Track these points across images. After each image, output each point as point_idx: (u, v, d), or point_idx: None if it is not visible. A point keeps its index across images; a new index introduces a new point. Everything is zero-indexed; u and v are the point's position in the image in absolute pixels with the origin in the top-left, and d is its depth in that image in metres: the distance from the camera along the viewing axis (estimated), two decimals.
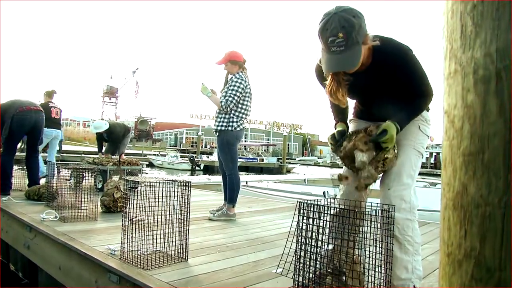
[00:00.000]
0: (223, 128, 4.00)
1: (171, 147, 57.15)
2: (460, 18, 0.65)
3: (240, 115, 4.02)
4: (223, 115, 4.02)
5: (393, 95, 1.92)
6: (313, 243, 1.70)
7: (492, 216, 0.60)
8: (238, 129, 4.01)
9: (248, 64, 4.15)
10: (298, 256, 1.72)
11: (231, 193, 4.10)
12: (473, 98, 0.62)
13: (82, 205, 3.78)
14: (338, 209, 1.75)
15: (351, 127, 2.17)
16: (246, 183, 10.13)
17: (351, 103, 2.18)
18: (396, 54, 1.79)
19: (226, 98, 3.92)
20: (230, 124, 3.98)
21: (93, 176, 5.94)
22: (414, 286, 1.91)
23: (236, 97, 3.92)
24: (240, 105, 4.01)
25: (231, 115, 3.99)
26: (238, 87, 3.93)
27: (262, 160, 38.24)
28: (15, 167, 5.65)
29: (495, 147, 0.61)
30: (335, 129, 2.05)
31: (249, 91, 4.06)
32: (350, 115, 2.23)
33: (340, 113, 2.09)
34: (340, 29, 1.60)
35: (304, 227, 1.72)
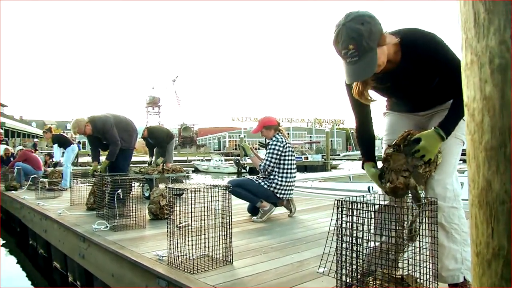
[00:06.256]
0: (266, 185, 4.27)
1: (215, 151, 58.01)
2: (473, 6, 0.61)
3: (282, 174, 4.28)
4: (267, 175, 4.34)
5: (433, 86, 1.83)
6: (353, 241, 1.67)
7: None
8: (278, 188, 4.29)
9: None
10: (339, 255, 1.70)
11: None
12: (491, 89, 0.59)
13: (131, 213, 3.92)
14: (380, 205, 1.70)
15: (387, 121, 2.10)
16: None
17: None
18: (425, 44, 1.71)
19: (264, 162, 4.29)
20: (273, 185, 4.26)
21: (140, 185, 6.17)
22: (464, 277, 1.82)
23: (273, 160, 4.26)
24: (282, 164, 4.28)
25: (275, 175, 4.28)
26: (274, 149, 4.27)
27: (307, 158, 37.83)
28: (79, 182, 5.98)
29: None
30: (363, 168, 2.01)
31: (288, 146, 4.35)
32: (384, 108, 2.16)
33: (368, 147, 2.02)
34: (350, 40, 1.57)
35: (344, 225, 1.69)
